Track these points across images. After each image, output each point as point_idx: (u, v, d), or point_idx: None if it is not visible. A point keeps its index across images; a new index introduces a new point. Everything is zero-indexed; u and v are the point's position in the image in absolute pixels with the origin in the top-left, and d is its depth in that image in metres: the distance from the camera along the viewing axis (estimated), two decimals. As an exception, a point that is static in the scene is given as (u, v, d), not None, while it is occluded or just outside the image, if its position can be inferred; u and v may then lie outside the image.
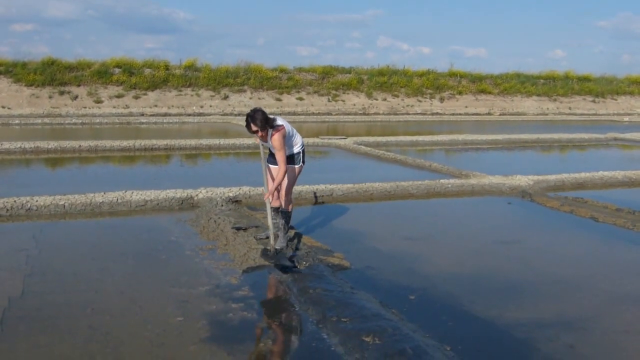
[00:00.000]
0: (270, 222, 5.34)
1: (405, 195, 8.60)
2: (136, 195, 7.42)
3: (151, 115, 24.66)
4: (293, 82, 30.77)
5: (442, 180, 9.21)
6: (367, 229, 6.77)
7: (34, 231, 6.23)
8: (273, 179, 5.65)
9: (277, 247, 5.55)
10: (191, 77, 28.82)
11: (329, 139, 15.68)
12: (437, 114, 30.97)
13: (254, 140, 5.68)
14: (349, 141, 15.07)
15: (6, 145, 12.40)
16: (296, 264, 5.15)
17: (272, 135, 5.41)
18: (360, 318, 4.04)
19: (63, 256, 5.46)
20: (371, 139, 16.17)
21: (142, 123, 21.68)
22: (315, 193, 8.19)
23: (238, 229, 6.23)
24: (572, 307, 4.55)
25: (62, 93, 25.67)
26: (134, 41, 71.10)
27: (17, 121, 20.73)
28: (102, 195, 7.33)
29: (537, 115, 32.83)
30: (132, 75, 27.64)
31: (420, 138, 17.00)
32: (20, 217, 6.75)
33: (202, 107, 27.27)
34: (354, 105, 30.64)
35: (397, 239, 6.39)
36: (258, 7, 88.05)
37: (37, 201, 6.98)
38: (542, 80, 37.43)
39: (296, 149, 5.70)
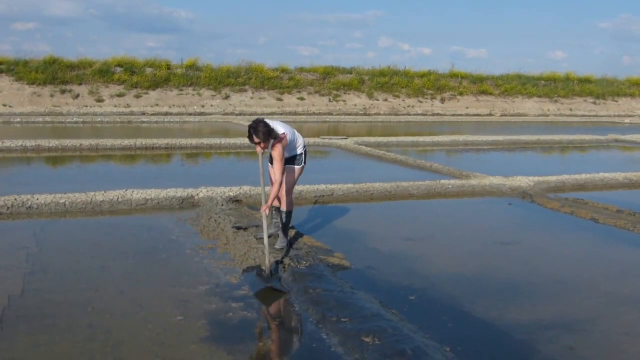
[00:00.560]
0: (265, 240, 5.12)
1: (406, 196, 8.60)
2: (137, 194, 7.42)
3: (152, 115, 24.66)
4: (294, 82, 30.76)
5: (442, 181, 9.21)
6: (368, 229, 6.77)
7: (35, 229, 6.23)
8: (271, 181, 5.66)
9: (277, 247, 5.56)
10: (192, 77, 28.82)
11: (330, 139, 15.68)
12: (438, 114, 30.96)
13: (257, 149, 5.57)
14: (349, 141, 15.07)
15: (7, 143, 12.41)
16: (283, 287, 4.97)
17: (273, 145, 5.38)
18: (360, 318, 4.04)
19: (63, 254, 5.46)
20: (372, 139, 16.16)
21: (143, 122, 21.68)
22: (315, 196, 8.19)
23: (238, 228, 6.23)
24: (572, 309, 4.55)
25: (63, 92, 25.68)
26: (135, 40, 71.15)
27: (18, 119, 20.73)
28: (103, 194, 7.33)
29: (538, 116, 32.82)
30: (134, 75, 27.65)
31: (421, 138, 17.00)
32: (20, 215, 6.76)
33: (203, 106, 27.27)
34: (355, 105, 30.64)
35: (397, 239, 6.39)
36: (259, 7, 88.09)
37: (37, 199, 6.98)
38: (542, 82, 37.42)
39: (298, 150, 5.69)
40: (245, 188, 7.99)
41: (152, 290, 4.63)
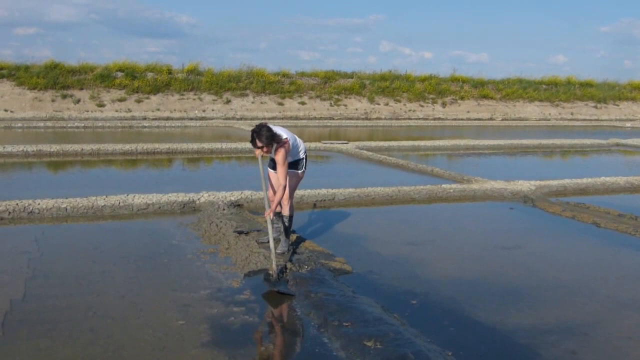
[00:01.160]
0: (271, 244, 5.15)
1: (407, 200, 8.60)
2: (138, 199, 7.43)
3: (153, 119, 24.70)
4: (295, 86, 30.80)
5: (444, 185, 9.20)
6: (369, 233, 6.77)
7: (36, 234, 6.24)
8: (273, 186, 5.67)
9: (278, 251, 5.56)
10: (193, 81, 28.86)
11: (331, 143, 15.69)
12: (439, 119, 30.98)
13: (255, 152, 5.59)
14: (351, 146, 15.07)
15: (9, 148, 12.42)
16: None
17: (276, 149, 5.39)
18: (361, 323, 4.04)
19: (65, 259, 5.46)
20: (373, 143, 16.17)
21: (145, 127, 21.71)
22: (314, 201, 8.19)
23: (240, 232, 6.23)
24: (573, 313, 4.54)
25: (64, 96, 25.72)
26: (136, 45, 71.27)
27: (19, 124, 20.78)
28: (104, 199, 7.34)
29: (539, 120, 32.82)
30: (135, 79, 27.69)
31: (422, 143, 17.00)
32: (22, 220, 6.76)
33: (204, 111, 27.30)
34: (356, 109, 30.66)
35: (399, 243, 6.39)
36: (260, 12, 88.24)
37: (39, 204, 6.99)
38: (544, 86, 37.44)
39: (299, 155, 5.70)
40: (247, 193, 7.99)
41: (153, 294, 4.62)
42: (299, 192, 7.94)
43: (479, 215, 8.25)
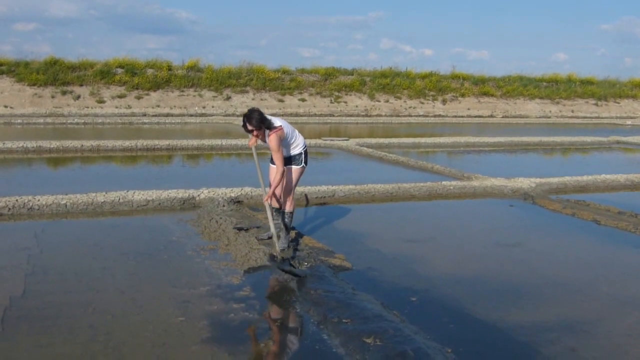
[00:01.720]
0: (272, 225, 5.33)
1: (407, 197, 8.59)
2: (138, 195, 7.42)
3: (153, 116, 24.68)
4: (295, 83, 30.78)
5: (444, 182, 9.20)
6: (369, 230, 6.77)
7: (36, 230, 6.23)
8: (271, 182, 5.68)
9: (278, 248, 5.56)
10: (193, 78, 28.84)
11: (331, 140, 15.68)
12: (439, 116, 30.96)
13: (248, 142, 5.65)
14: (351, 143, 15.07)
15: (8, 144, 12.41)
16: (297, 267, 5.11)
17: (269, 135, 5.43)
18: (361, 319, 4.04)
19: (64, 255, 5.46)
20: (373, 140, 16.16)
21: (144, 123, 21.69)
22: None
23: (240, 229, 6.23)
24: (573, 310, 4.54)
25: (64, 93, 25.70)
26: (136, 41, 71.15)
27: (19, 120, 20.76)
28: (104, 195, 7.33)
29: (540, 118, 32.81)
30: (135, 76, 27.66)
31: (423, 140, 16.99)
32: (21, 216, 6.76)
33: (204, 107, 27.29)
34: (357, 106, 30.64)
35: (398, 240, 6.39)
36: (260, 8, 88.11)
37: (38, 200, 6.98)
38: (544, 83, 37.41)
39: (297, 149, 5.69)
40: (247, 189, 7.99)
41: (153, 291, 4.62)
42: (299, 189, 7.94)
43: (479, 213, 8.24)
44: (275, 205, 5.87)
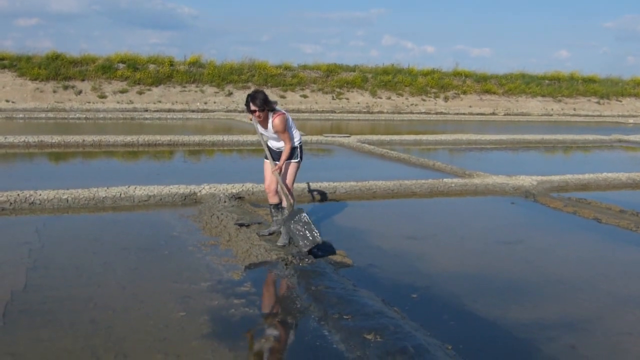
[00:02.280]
0: (284, 195, 5.59)
1: (409, 194, 8.59)
2: (139, 191, 7.43)
3: (155, 111, 24.68)
4: (297, 79, 30.76)
5: (445, 180, 9.19)
6: (370, 227, 6.77)
7: (37, 225, 6.24)
8: (267, 178, 5.73)
9: (279, 244, 5.57)
10: (195, 74, 28.83)
11: (333, 137, 15.67)
12: (441, 113, 30.93)
13: (253, 123, 5.70)
14: (352, 139, 15.06)
15: (10, 139, 12.42)
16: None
17: (272, 119, 5.44)
18: (362, 316, 4.04)
19: (66, 250, 5.47)
20: (375, 137, 16.15)
21: (146, 119, 21.70)
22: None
23: (241, 225, 6.23)
24: (574, 308, 4.54)
25: (66, 88, 25.70)
26: (138, 36, 71.21)
27: (21, 115, 20.77)
28: (106, 190, 7.34)
29: (542, 115, 32.76)
30: (137, 71, 27.66)
31: (424, 137, 16.98)
32: (23, 211, 6.77)
33: (206, 103, 27.29)
34: (358, 103, 30.62)
35: (399, 237, 6.39)
36: (263, 4, 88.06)
37: (40, 195, 6.99)
38: (546, 81, 37.36)
39: (294, 143, 5.71)
40: (248, 185, 7.99)
41: (154, 286, 4.63)
42: (300, 185, 7.95)
43: (480, 210, 8.24)
44: (275, 201, 5.89)
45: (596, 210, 7.79)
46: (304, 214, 5.44)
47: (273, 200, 5.90)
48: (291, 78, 30.78)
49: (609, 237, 6.70)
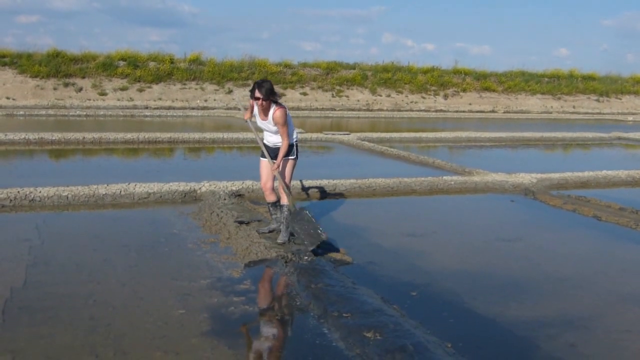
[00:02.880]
0: (284, 192, 5.63)
1: (408, 192, 8.59)
2: (139, 188, 7.43)
3: (155, 109, 24.67)
4: (297, 77, 30.73)
5: (445, 177, 9.19)
6: (370, 224, 6.77)
7: (37, 222, 6.24)
8: (263, 175, 5.77)
9: (279, 241, 5.58)
10: (196, 71, 28.80)
11: (333, 134, 15.66)
12: (441, 110, 30.92)
13: (248, 123, 5.74)
14: (352, 137, 15.05)
15: (10, 136, 12.41)
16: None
17: (274, 111, 5.45)
18: (361, 313, 4.04)
19: (65, 247, 5.47)
20: (375, 135, 16.14)
21: (146, 116, 21.68)
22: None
23: (240, 222, 6.23)
24: (573, 306, 4.54)
25: (66, 85, 25.68)
26: (138, 34, 71.05)
27: (21, 112, 20.75)
28: (105, 187, 7.34)
29: (541, 113, 32.74)
30: (137, 68, 27.63)
31: (424, 135, 16.98)
32: (23, 208, 6.77)
33: (206, 100, 27.27)
34: (358, 101, 30.60)
35: (399, 235, 6.39)
36: (263, 1, 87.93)
37: (40, 192, 6.99)
38: (546, 79, 37.32)
39: (292, 140, 5.71)
40: (248, 182, 7.99)
41: (153, 283, 4.63)
42: (299, 183, 7.95)
43: (480, 208, 8.24)
44: (272, 199, 5.89)
45: (596, 207, 7.79)
46: (306, 212, 5.46)
47: (270, 198, 5.91)
48: (291, 76, 30.75)
49: (609, 235, 6.70)
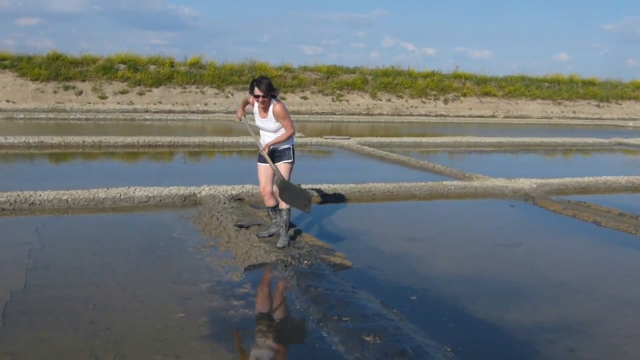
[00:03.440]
0: (272, 166, 5.65)
1: (408, 196, 8.60)
2: (139, 192, 7.43)
3: (155, 112, 24.68)
4: (297, 81, 30.76)
5: (444, 182, 9.20)
6: (369, 229, 6.78)
7: (37, 225, 6.24)
8: (261, 179, 5.84)
9: (279, 245, 5.58)
10: (196, 75, 28.83)
11: (333, 138, 15.68)
12: (441, 115, 30.94)
13: (244, 122, 5.78)
14: (352, 141, 15.06)
15: (10, 139, 12.42)
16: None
17: (274, 106, 5.47)
18: (361, 318, 4.05)
19: (65, 251, 5.47)
20: (375, 139, 16.15)
21: (146, 119, 21.71)
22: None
23: (240, 226, 6.24)
24: (573, 311, 4.54)
25: (66, 88, 25.70)
26: (138, 37, 71.09)
27: (21, 115, 20.78)
28: (105, 191, 7.34)
29: (541, 118, 32.77)
30: (137, 72, 27.65)
31: (424, 139, 16.99)
32: (23, 211, 6.77)
33: (206, 104, 27.29)
34: (358, 105, 30.63)
35: (399, 239, 6.39)
36: (263, 5, 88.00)
37: (40, 195, 6.99)
38: (546, 84, 37.36)
39: (286, 144, 5.73)
40: (248, 187, 7.99)
41: (153, 287, 4.63)
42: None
43: (479, 213, 8.25)
44: (272, 203, 5.89)
45: (595, 213, 7.80)
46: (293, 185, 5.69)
47: (269, 202, 5.91)
48: (291, 79, 30.79)
49: (608, 240, 6.71)
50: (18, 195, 6.93)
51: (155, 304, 4.28)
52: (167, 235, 6.06)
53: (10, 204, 6.81)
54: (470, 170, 10.59)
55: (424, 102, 32.47)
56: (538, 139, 18.07)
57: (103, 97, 25.88)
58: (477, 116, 31.71)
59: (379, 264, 5.43)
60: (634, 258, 6.13)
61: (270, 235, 5.92)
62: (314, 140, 15.40)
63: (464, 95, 33.82)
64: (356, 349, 3.63)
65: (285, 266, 5.11)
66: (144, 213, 7.10)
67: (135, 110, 24.89)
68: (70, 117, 20.99)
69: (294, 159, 5.79)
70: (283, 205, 5.71)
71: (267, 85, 5.40)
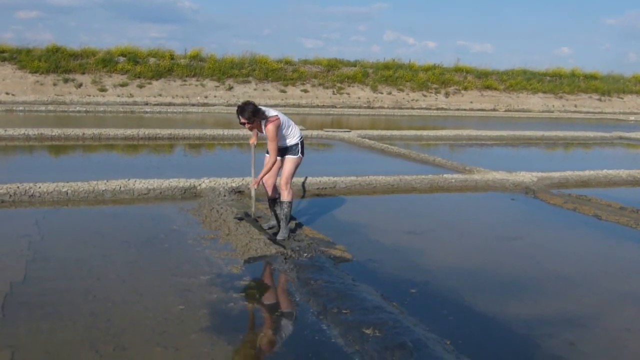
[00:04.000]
0: (253, 201, 6.00)
1: (409, 189, 8.59)
2: (139, 184, 7.42)
3: (155, 105, 24.65)
4: (298, 74, 30.70)
5: (445, 175, 9.18)
6: (370, 222, 6.77)
7: (37, 217, 6.24)
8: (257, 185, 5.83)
9: (279, 238, 5.57)
10: (196, 67, 28.78)
11: (333, 131, 15.66)
12: (442, 109, 30.90)
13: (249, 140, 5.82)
14: (353, 134, 15.04)
15: (10, 131, 12.41)
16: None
17: (265, 125, 5.47)
18: (361, 310, 4.04)
19: (65, 243, 5.47)
20: (375, 132, 16.13)
21: (146, 112, 21.68)
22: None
23: (240, 219, 6.22)
24: (573, 305, 4.54)
25: (66, 81, 25.67)
26: (138, 30, 71.01)
27: (21, 108, 20.75)
28: (105, 183, 7.33)
29: (543, 112, 32.73)
30: (137, 64, 27.61)
31: (425, 133, 16.97)
32: (23, 203, 6.76)
33: (206, 97, 27.25)
34: (359, 98, 30.58)
35: (399, 232, 6.39)
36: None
37: (40, 188, 6.98)
38: (548, 78, 37.30)
39: (294, 140, 5.72)
40: (248, 179, 7.97)
41: (153, 279, 4.63)
42: (299, 179, 7.94)
43: (480, 206, 8.24)
44: (273, 195, 5.89)
45: (596, 207, 7.79)
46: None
47: (271, 194, 5.91)
48: (292, 73, 30.73)
49: (609, 234, 6.70)
50: (18, 187, 6.91)
51: (155, 296, 4.27)
52: (167, 227, 6.05)
53: (10, 195, 6.80)
54: (471, 164, 10.57)
55: (424, 96, 32.42)
56: (539, 133, 18.04)
57: (103, 90, 25.85)
58: (478, 110, 31.67)
59: (379, 257, 5.42)
60: (634, 252, 6.13)
61: (270, 228, 5.91)
62: (315, 133, 15.38)
63: (465, 88, 33.76)
64: (356, 342, 3.62)
65: (285, 259, 5.11)
66: (144, 205, 7.09)
67: (135, 103, 24.86)
68: (70, 109, 20.96)
69: (302, 153, 5.79)
70: (284, 197, 5.70)
71: (250, 112, 5.43)
